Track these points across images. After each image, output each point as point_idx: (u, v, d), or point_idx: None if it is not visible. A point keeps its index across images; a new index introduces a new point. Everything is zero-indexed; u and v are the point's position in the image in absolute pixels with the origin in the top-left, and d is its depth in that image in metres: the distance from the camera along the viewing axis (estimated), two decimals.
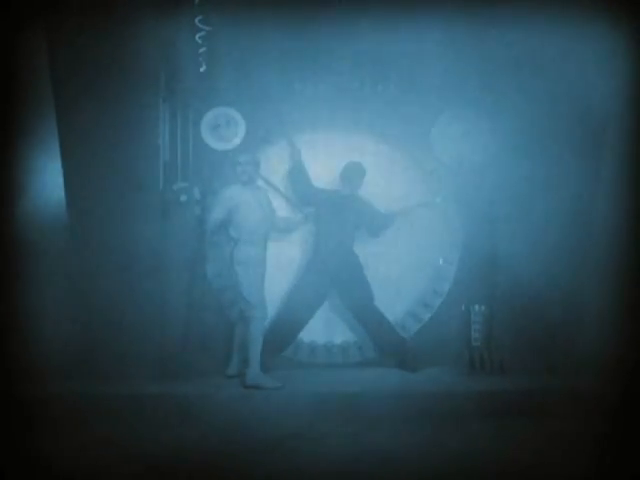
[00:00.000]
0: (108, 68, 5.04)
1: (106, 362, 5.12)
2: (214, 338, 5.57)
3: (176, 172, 5.61)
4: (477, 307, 5.74)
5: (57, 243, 5.18)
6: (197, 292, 5.62)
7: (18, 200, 4.87)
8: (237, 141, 5.70)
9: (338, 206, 5.61)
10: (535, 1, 5.02)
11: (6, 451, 3.89)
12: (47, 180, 5.18)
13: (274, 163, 5.73)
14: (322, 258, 5.59)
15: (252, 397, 4.97)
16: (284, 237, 5.71)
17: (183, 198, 5.54)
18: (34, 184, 5.07)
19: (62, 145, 5.15)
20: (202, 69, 5.34)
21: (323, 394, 4.98)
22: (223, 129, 5.69)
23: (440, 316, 5.85)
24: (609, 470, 3.78)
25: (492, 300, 5.70)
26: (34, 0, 4.82)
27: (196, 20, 5.18)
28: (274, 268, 5.41)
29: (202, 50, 5.27)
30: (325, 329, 5.83)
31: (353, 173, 5.67)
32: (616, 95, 5.18)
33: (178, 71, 5.40)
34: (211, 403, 4.85)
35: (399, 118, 5.74)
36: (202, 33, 5.22)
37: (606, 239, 5.23)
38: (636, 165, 5.07)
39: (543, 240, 5.34)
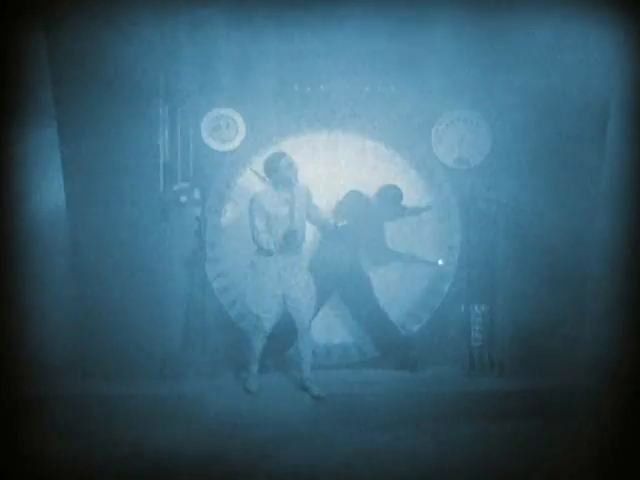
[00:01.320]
0: (108, 68, 5.03)
1: (106, 362, 5.13)
2: (214, 338, 5.56)
3: (176, 173, 5.60)
4: (477, 307, 5.72)
5: (57, 243, 5.19)
6: (197, 292, 5.62)
7: (17, 200, 4.88)
8: (237, 142, 5.72)
9: (352, 213, 5.61)
10: (537, 2, 5.02)
11: (6, 452, 3.89)
12: (47, 180, 5.18)
13: None
14: (324, 258, 5.59)
15: (252, 397, 4.97)
16: None
17: (183, 199, 5.53)
18: (34, 184, 5.08)
19: (62, 145, 5.15)
20: (202, 69, 5.35)
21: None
22: (223, 130, 5.70)
23: (440, 316, 5.84)
24: (610, 470, 3.78)
25: (492, 300, 5.69)
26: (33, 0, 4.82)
27: (196, 20, 5.18)
28: None
29: (202, 50, 5.28)
30: (325, 329, 5.83)
31: (391, 197, 5.70)
32: (618, 95, 5.18)
33: (178, 71, 5.40)
34: (211, 403, 4.85)
35: (399, 118, 5.74)
36: (202, 33, 5.22)
37: (607, 239, 5.22)
38: (638, 164, 5.07)
39: (543, 239, 5.34)
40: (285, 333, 5.48)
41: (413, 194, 5.84)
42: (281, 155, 4.95)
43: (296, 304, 5.00)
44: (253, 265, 4.98)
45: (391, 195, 5.70)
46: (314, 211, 5.14)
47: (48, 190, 5.17)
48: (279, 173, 4.89)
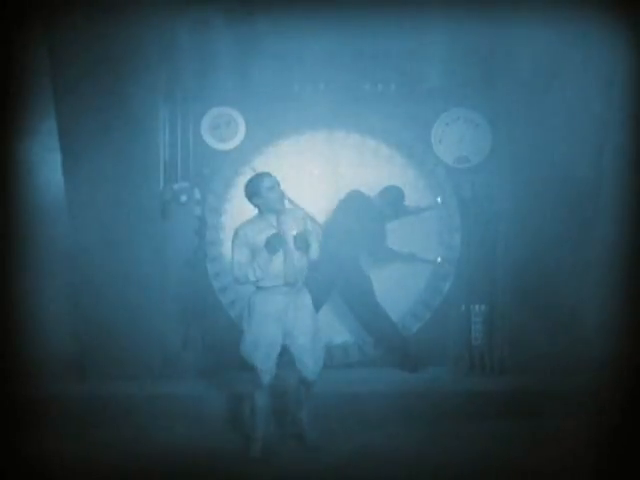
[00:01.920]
0: (108, 68, 5.03)
1: (106, 362, 5.13)
2: (214, 338, 5.56)
3: (176, 172, 5.62)
4: (477, 306, 5.73)
5: (56, 243, 5.19)
6: (197, 291, 5.62)
7: (16, 200, 4.88)
8: (237, 141, 5.72)
9: (353, 213, 5.61)
10: (536, 2, 5.01)
11: (5, 452, 3.89)
12: (46, 180, 5.18)
13: (274, 164, 5.71)
14: (324, 258, 5.58)
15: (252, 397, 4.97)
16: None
17: (183, 198, 5.55)
18: (33, 184, 5.08)
19: (62, 145, 5.15)
20: (202, 69, 5.35)
21: (323, 394, 4.96)
22: (223, 129, 5.71)
23: (440, 316, 5.83)
24: (609, 470, 3.78)
25: (492, 299, 5.69)
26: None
27: (196, 20, 5.18)
28: None
29: (202, 50, 5.27)
30: (326, 329, 5.82)
31: (393, 197, 5.70)
32: (618, 95, 5.18)
33: (178, 71, 5.40)
34: (211, 403, 4.86)
35: (399, 118, 5.74)
36: (202, 33, 5.21)
37: (607, 238, 5.22)
38: (638, 164, 5.06)
39: (543, 239, 5.33)
40: None
41: (413, 194, 5.84)
42: (263, 176, 4.22)
43: (301, 355, 4.21)
44: (250, 308, 4.23)
45: (393, 195, 5.70)
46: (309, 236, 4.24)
47: (48, 190, 5.17)
48: (261, 197, 4.16)
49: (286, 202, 4.29)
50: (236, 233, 4.20)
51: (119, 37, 4.98)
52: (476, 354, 5.65)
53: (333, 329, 5.85)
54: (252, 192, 4.19)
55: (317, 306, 5.58)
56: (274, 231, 4.10)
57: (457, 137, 5.81)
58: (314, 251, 4.26)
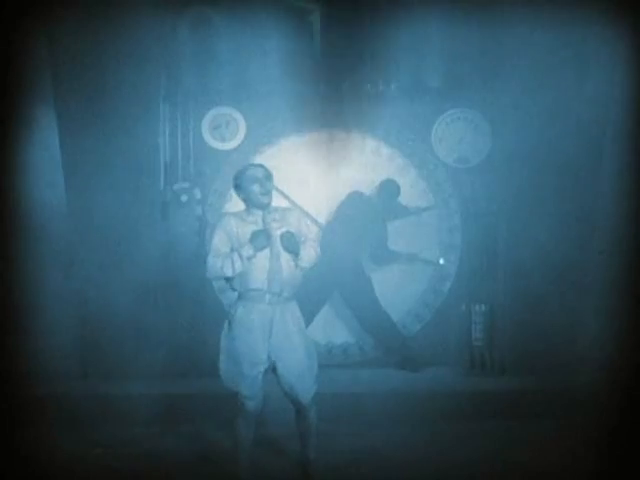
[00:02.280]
0: (108, 68, 5.04)
1: (106, 362, 5.14)
2: (214, 338, 5.54)
3: (176, 172, 5.62)
4: (478, 307, 5.73)
5: (57, 243, 5.20)
6: (198, 292, 5.62)
7: (17, 201, 4.88)
8: (237, 141, 5.73)
9: (354, 214, 5.61)
10: (536, 2, 5.01)
11: (5, 451, 3.90)
12: (47, 181, 5.19)
13: (273, 164, 5.69)
14: (326, 258, 5.58)
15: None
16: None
17: (184, 198, 5.55)
18: (33, 185, 5.09)
19: (62, 146, 5.16)
20: (202, 69, 5.35)
21: (323, 394, 4.95)
22: (223, 129, 5.72)
23: (441, 316, 5.84)
24: (609, 470, 3.78)
25: (493, 300, 5.69)
26: None
27: (196, 20, 5.18)
28: None
29: (202, 50, 5.28)
30: (326, 329, 5.83)
31: (389, 191, 5.71)
32: (617, 96, 5.17)
33: (178, 71, 5.40)
34: (211, 403, 4.85)
35: (399, 118, 5.74)
36: (202, 33, 5.22)
37: (607, 238, 5.22)
38: (637, 165, 5.06)
39: (544, 239, 5.32)
40: None
41: (413, 194, 5.85)
42: (249, 167, 3.70)
43: (289, 377, 3.64)
44: (230, 321, 3.67)
45: (388, 189, 5.70)
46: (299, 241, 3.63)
47: (48, 190, 5.18)
48: (242, 190, 3.62)
49: (282, 201, 3.81)
50: (221, 219, 3.71)
51: (119, 37, 4.98)
52: (476, 354, 5.65)
53: (333, 329, 5.85)
54: (235, 184, 3.66)
55: (320, 303, 5.58)
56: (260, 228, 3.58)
57: (457, 137, 5.82)
58: (306, 257, 3.63)
